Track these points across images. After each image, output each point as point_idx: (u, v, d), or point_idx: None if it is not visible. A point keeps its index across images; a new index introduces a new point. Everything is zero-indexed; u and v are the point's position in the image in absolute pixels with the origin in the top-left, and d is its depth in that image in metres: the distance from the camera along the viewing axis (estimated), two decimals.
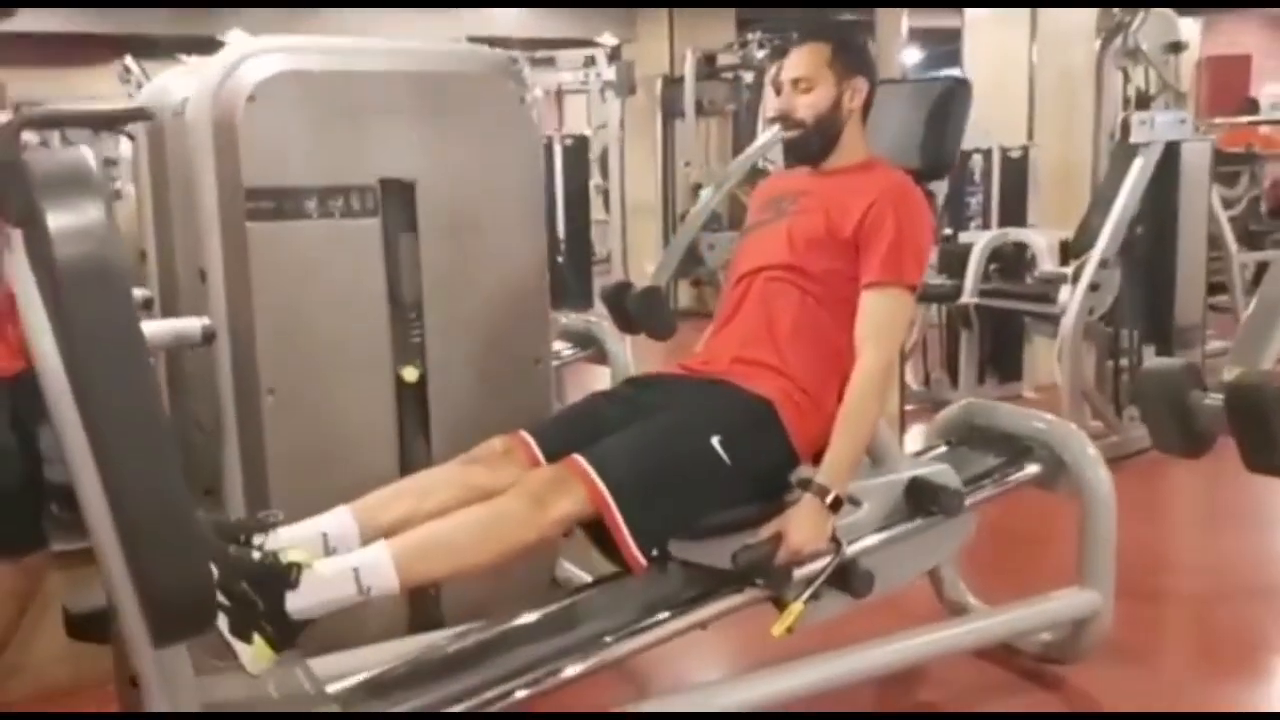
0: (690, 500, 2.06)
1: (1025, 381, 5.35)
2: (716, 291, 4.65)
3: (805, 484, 2.13)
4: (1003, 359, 5.30)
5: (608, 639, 2.07)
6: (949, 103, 2.43)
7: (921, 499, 2.27)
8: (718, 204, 6.31)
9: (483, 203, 2.49)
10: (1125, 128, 4.24)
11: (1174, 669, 2.76)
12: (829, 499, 2.07)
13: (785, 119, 2.31)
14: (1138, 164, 4.22)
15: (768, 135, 4.97)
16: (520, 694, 1.96)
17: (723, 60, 8.03)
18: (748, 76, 7.85)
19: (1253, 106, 9.06)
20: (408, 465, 2.41)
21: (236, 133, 2.21)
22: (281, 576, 1.72)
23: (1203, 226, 4.52)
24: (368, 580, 1.78)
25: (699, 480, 2.06)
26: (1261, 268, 6.58)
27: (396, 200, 2.39)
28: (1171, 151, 4.30)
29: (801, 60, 2.28)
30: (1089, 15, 5.44)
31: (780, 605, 2.11)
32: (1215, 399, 2.56)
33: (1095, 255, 4.15)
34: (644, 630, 2.09)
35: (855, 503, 2.18)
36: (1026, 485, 2.52)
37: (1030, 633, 2.51)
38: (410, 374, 2.41)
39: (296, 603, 1.72)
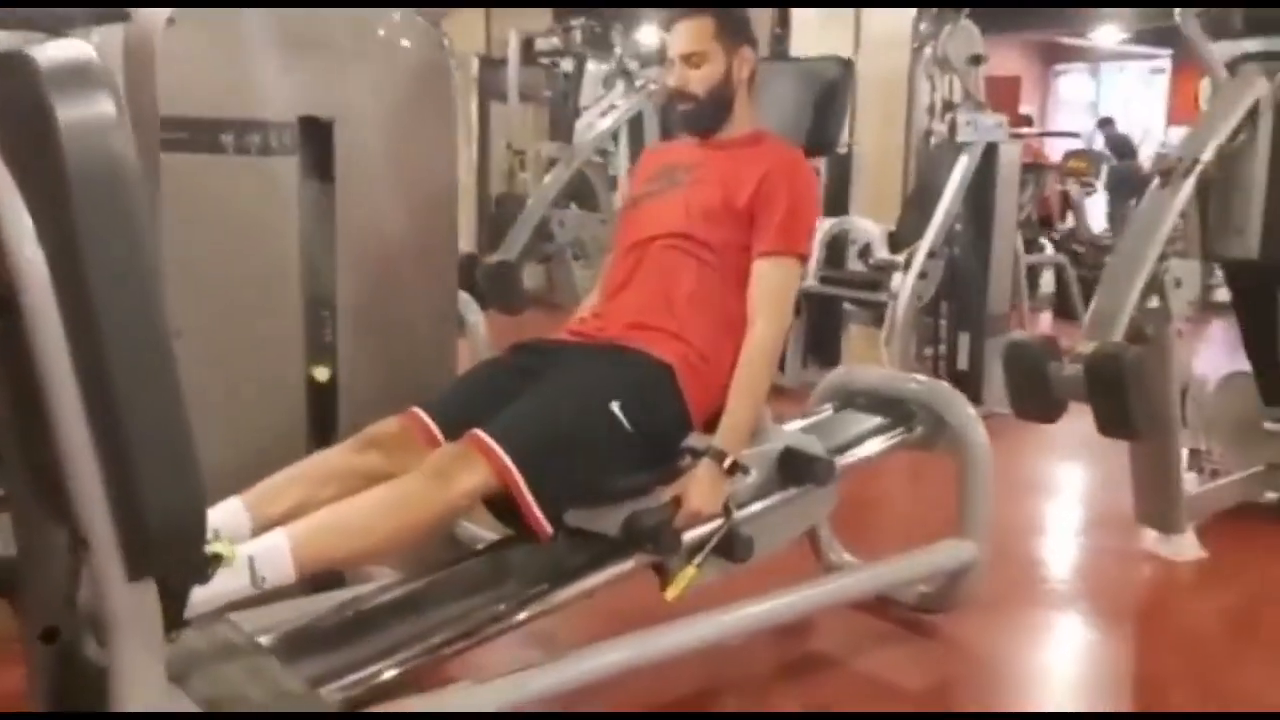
0: (591, 466, 2.06)
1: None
2: (565, 269, 4.66)
3: (696, 451, 2.17)
4: (822, 345, 5.55)
5: (502, 606, 2.02)
6: (835, 83, 2.54)
7: (795, 469, 2.33)
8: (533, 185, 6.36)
9: (399, 151, 2.45)
10: (952, 127, 4.55)
11: (1020, 613, 2.97)
12: (727, 463, 2.12)
13: (679, 94, 2.34)
14: (963, 161, 4.54)
15: (620, 112, 5.05)
16: (442, 649, 1.91)
17: (541, 45, 8.02)
18: (565, 63, 7.88)
19: (1028, 122, 9.87)
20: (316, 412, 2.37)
21: (154, 57, 2.09)
22: (201, 565, 1.62)
23: (1013, 223, 4.91)
24: (263, 570, 1.70)
25: (599, 445, 2.06)
26: (1033, 269, 7.22)
27: (314, 141, 2.33)
28: (991, 151, 4.64)
29: (689, 34, 2.31)
30: (905, 24, 5.78)
31: (662, 572, 2.14)
32: (1072, 369, 2.82)
33: (924, 245, 4.44)
34: (536, 598, 2.05)
35: (745, 470, 2.21)
36: (910, 446, 2.68)
37: (915, 581, 2.66)
38: (321, 373, 2.36)
39: (196, 595, 1.62)
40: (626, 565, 2.14)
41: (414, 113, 2.47)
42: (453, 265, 2.64)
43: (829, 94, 2.51)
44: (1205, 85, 3.61)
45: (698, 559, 2.11)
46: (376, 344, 2.46)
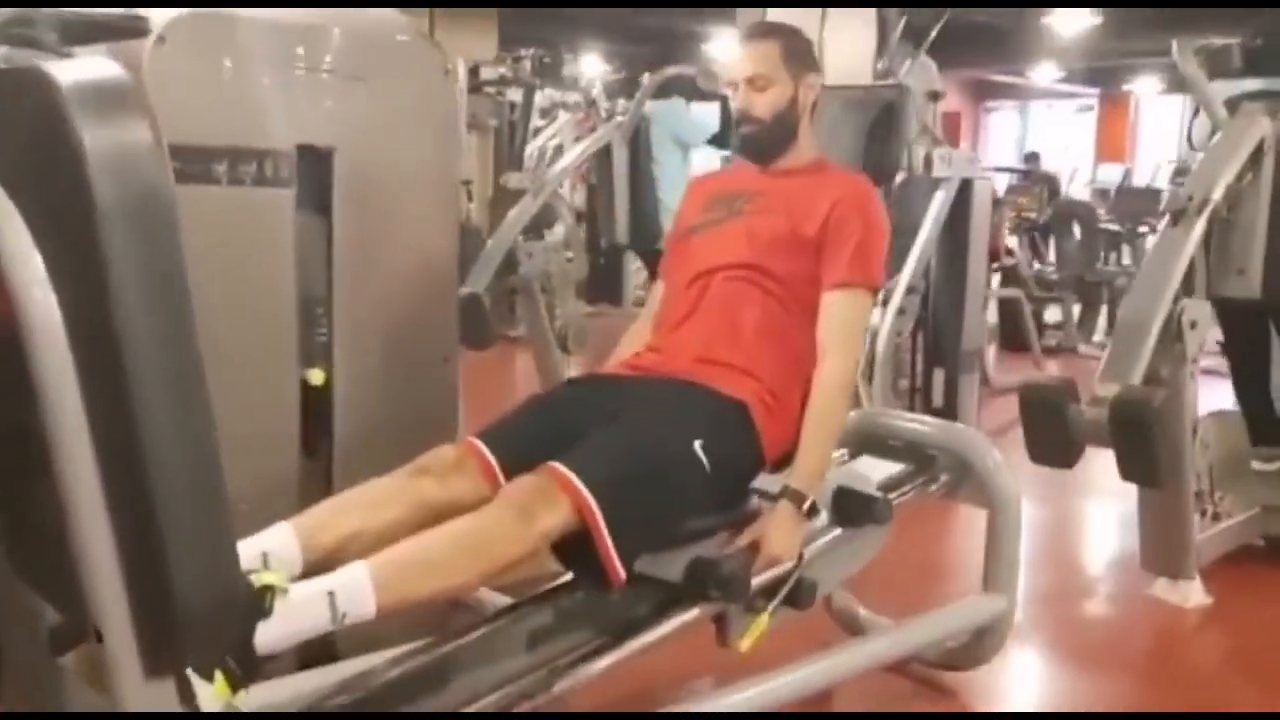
0: (670, 508, 1.95)
1: None
2: (532, 303, 4.49)
3: (766, 494, 2.08)
4: None
5: (563, 662, 1.88)
6: (893, 109, 2.45)
7: (851, 508, 2.24)
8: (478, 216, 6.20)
9: (400, 181, 2.28)
10: (928, 162, 4.49)
11: (1030, 664, 2.87)
12: (806, 506, 2.02)
13: (744, 116, 2.24)
14: (939, 197, 4.48)
15: (587, 142, 4.91)
16: None
17: (487, 74, 7.86)
18: (512, 93, 7.73)
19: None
20: (309, 462, 2.18)
21: (141, 78, 1.89)
22: (254, 602, 1.47)
23: (984, 258, 4.85)
24: (344, 605, 1.56)
25: (680, 487, 1.95)
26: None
27: (312, 170, 2.14)
28: (965, 187, 4.59)
29: (756, 57, 2.24)
30: (866, 60, 5.73)
31: (721, 621, 2.03)
32: (1094, 413, 2.72)
33: (903, 281, 4.35)
34: (598, 653, 1.89)
35: (817, 513, 2.11)
36: (936, 494, 2.56)
37: (943, 641, 2.53)
38: (317, 377, 2.18)
39: (267, 634, 1.47)
40: (689, 615, 2.00)
41: (417, 141, 2.30)
42: (453, 302, 2.46)
43: (886, 120, 2.41)
44: (1199, 124, 3.59)
45: (770, 607, 2.00)
46: (377, 391, 2.27)
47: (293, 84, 2.09)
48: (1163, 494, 3.02)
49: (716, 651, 2.07)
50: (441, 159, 2.37)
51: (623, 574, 1.82)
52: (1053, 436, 2.77)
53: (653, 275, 5.56)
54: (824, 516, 2.16)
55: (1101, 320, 8.31)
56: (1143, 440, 2.59)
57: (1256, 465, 3.78)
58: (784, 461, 2.15)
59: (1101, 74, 11.74)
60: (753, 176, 2.32)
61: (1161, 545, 3.16)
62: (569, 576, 1.97)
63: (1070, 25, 8.03)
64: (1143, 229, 9.02)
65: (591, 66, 9.31)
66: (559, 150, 8.31)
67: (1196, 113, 3.62)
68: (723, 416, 2.04)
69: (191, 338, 1.20)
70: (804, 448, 2.07)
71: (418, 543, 1.70)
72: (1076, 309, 7.96)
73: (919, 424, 2.67)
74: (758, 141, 2.26)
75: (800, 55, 2.26)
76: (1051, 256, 8.71)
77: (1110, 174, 11.52)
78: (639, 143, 4.81)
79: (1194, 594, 3.17)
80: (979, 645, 2.56)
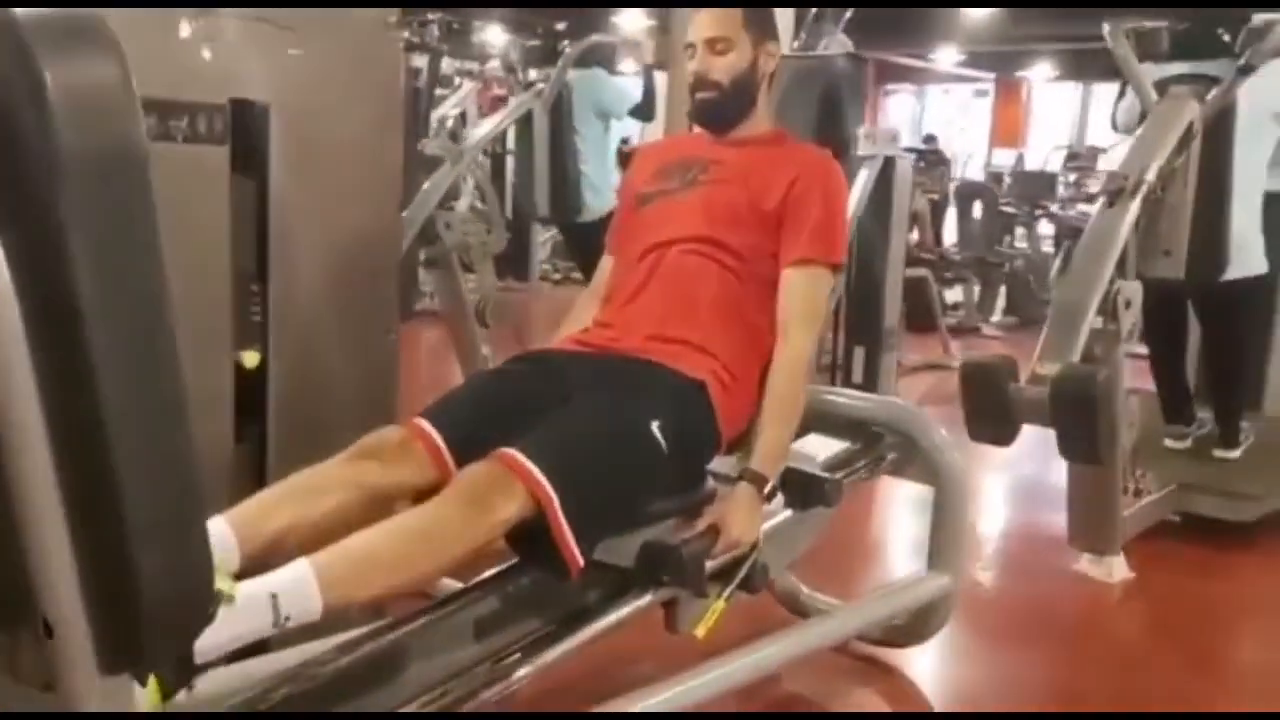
0: (628, 493, 1.86)
1: None
2: (450, 275, 4.35)
3: (722, 476, 2.03)
4: None
5: (512, 651, 1.79)
6: (846, 80, 2.40)
7: (801, 490, 2.18)
8: None
9: (341, 140, 2.16)
10: (854, 140, 4.47)
11: (961, 638, 2.85)
12: (767, 488, 1.97)
13: (701, 81, 2.16)
14: (863, 175, 4.45)
15: (507, 110, 4.78)
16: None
17: None
18: (416, 59, 7.51)
19: None
20: (240, 449, 2.05)
21: None
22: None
23: (904, 237, 4.86)
24: (288, 607, 1.44)
25: (637, 470, 1.87)
26: None
27: (246, 128, 2.00)
28: (888, 165, 4.58)
29: (715, 21, 2.15)
30: (785, 32, 5.70)
31: (671, 607, 1.97)
32: (1035, 391, 2.73)
33: None
34: (543, 644, 1.81)
35: (775, 494, 2.06)
36: (883, 472, 2.53)
37: (890, 619, 2.51)
38: (251, 359, 2.05)
39: (204, 639, 1.32)
40: (642, 601, 1.93)
41: (359, 99, 2.18)
42: (395, 271, 2.35)
43: (840, 90, 2.35)
44: (1124, 107, 3.64)
45: (726, 592, 1.93)
46: (316, 367, 2.15)
47: (225, 31, 1.94)
48: (1093, 471, 3.05)
49: (661, 636, 2.00)
50: (385, 117, 2.26)
51: (581, 562, 1.73)
52: (993, 414, 2.77)
53: (574, 249, 5.49)
54: (778, 499, 2.11)
55: (1000, 300, 8.50)
56: (1085, 418, 2.60)
57: (1169, 443, 3.89)
58: (739, 442, 2.09)
59: (997, 59, 11.99)
60: (708, 145, 2.24)
61: (1089, 522, 3.21)
62: (516, 558, 1.88)
63: (976, 10, 8.14)
64: (1038, 211, 9.27)
65: (496, 35, 9.11)
66: (462, 118, 8.11)
67: (1121, 95, 3.67)
68: (680, 396, 1.96)
69: (164, 311, 1.08)
70: (764, 429, 2.00)
71: (367, 537, 1.58)
72: (976, 289, 8.12)
73: (865, 401, 2.64)
74: (715, 107, 2.17)
75: (761, 20, 2.18)
76: (950, 237, 8.90)
77: (1004, 158, 11.79)
78: (560, 113, 4.69)
79: (1118, 569, 3.23)
80: (923, 622, 2.55)
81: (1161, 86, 3.27)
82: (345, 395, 2.23)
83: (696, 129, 2.29)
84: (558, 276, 9.64)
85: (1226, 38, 3.22)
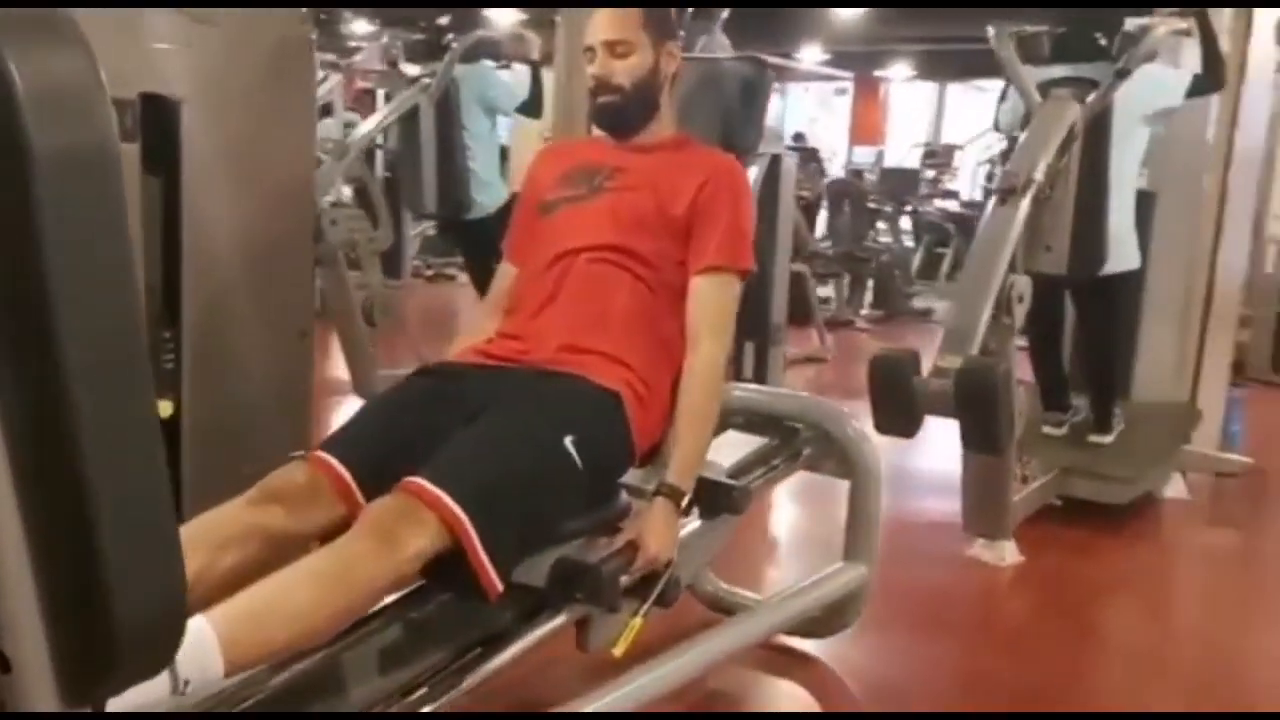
0: (544, 512, 1.82)
1: None
2: (337, 275, 4.24)
3: (636, 490, 2.01)
4: None
5: (426, 679, 1.75)
6: (753, 84, 2.41)
7: (710, 499, 2.16)
8: None
9: (254, 139, 2.08)
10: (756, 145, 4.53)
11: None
12: (684, 502, 1.96)
13: (603, 84, 2.11)
14: (752, 172, 4.53)
15: (392, 105, 4.68)
16: None
17: None
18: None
19: None
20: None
21: None
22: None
23: (789, 234, 4.96)
24: (187, 671, 1.33)
25: (553, 488, 1.82)
26: None
27: (158, 124, 1.92)
28: (775, 163, 4.67)
29: (615, 22, 2.10)
30: None
31: (584, 626, 1.95)
32: (939, 384, 2.82)
33: None
34: (464, 668, 1.79)
35: (690, 508, 2.05)
36: (800, 468, 2.58)
37: (810, 612, 2.55)
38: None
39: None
40: (557, 621, 1.91)
41: (272, 95, 2.11)
42: (309, 270, 2.28)
43: (746, 95, 2.36)
44: (1007, 108, 3.78)
45: (643, 609, 1.91)
46: (225, 360, 2.07)
47: (138, 26, 1.86)
48: (987, 460, 3.17)
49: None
50: (299, 113, 2.19)
51: (500, 587, 1.68)
52: (899, 407, 2.85)
53: (463, 247, 5.41)
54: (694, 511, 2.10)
55: (869, 294, 8.75)
56: (987, 409, 2.70)
57: (1048, 430, 4.05)
58: (651, 454, 2.07)
59: (857, 59, 12.30)
60: (611, 150, 2.20)
61: (983, 508, 3.32)
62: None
63: (844, 10, 8.34)
64: (903, 208, 9.56)
65: (363, 28, 8.94)
66: (327, 111, 7.90)
67: (1003, 98, 3.81)
68: (595, 409, 1.92)
69: (139, 320, 1.03)
70: (680, 441, 1.98)
71: (273, 587, 1.50)
72: (846, 283, 8.34)
73: (780, 398, 2.68)
74: (618, 111, 2.13)
75: (662, 22, 2.14)
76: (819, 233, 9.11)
77: (865, 155, 12.10)
78: (447, 108, 4.62)
79: (1010, 553, 3.36)
80: (841, 612, 2.60)
81: (1043, 89, 3.40)
82: (263, 400, 2.16)
83: (597, 132, 2.25)
84: (430, 273, 9.50)
85: (1104, 42, 3.37)
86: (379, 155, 7.86)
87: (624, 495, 2.03)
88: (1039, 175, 3.11)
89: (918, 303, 8.95)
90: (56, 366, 0.98)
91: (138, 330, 1.03)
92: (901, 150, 12.50)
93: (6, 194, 0.97)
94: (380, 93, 7.94)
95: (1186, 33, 3.56)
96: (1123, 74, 3.29)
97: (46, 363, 0.98)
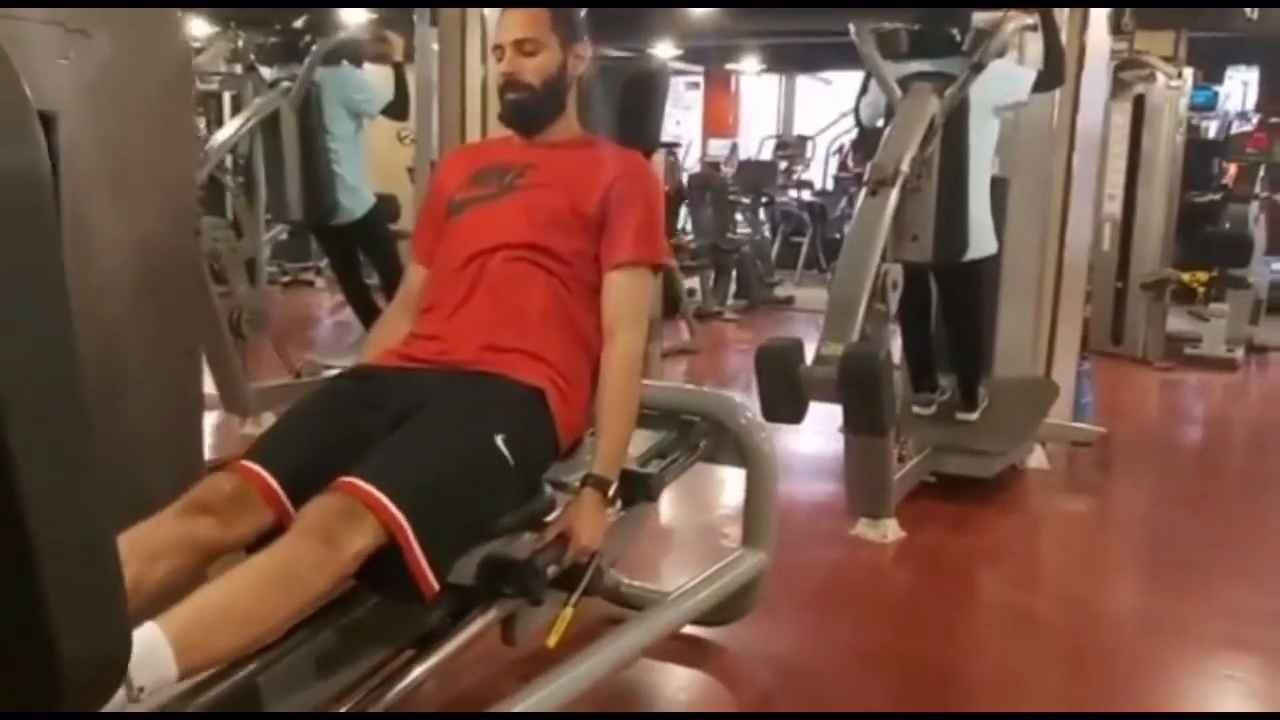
0: (479, 511, 1.86)
1: None
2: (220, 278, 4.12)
3: (560, 483, 2.06)
4: None
5: (362, 683, 1.79)
6: (652, 82, 2.46)
7: (628, 488, 2.19)
8: None
9: (135, 154, 2.01)
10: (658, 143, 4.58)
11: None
12: (611, 491, 2.01)
13: (512, 82, 2.14)
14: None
15: (257, 104, 4.55)
16: None
17: None
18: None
19: None
20: None
21: None
22: None
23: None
24: (141, 678, 1.34)
25: (487, 486, 1.86)
26: None
27: None
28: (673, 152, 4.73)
29: (524, 21, 2.14)
30: None
31: (507, 621, 1.98)
32: (823, 371, 2.92)
33: None
34: (401, 671, 1.81)
35: (616, 497, 2.08)
36: (700, 459, 2.63)
37: (717, 600, 2.60)
38: None
39: None
40: (487, 618, 1.93)
41: (153, 105, 2.05)
42: (196, 285, 2.22)
43: (645, 92, 2.40)
44: (868, 101, 3.90)
45: (574, 599, 1.95)
46: (111, 382, 2.00)
47: (10, 35, 1.78)
48: (868, 442, 3.29)
49: (488, 647, 2.01)
50: (178, 124, 2.13)
51: (436, 586, 1.71)
52: (786, 395, 2.94)
53: (329, 253, 5.30)
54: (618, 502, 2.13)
55: (733, 285, 8.90)
56: (871, 393, 2.81)
57: (917, 410, 4.22)
58: (573, 448, 2.12)
59: (708, 53, 12.47)
60: (520, 148, 2.23)
61: (866, 489, 3.45)
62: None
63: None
64: (762, 199, 9.76)
65: (202, 28, 8.64)
66: None
67: (864, 91, 3.93)
68: (522, 406, 1.96)
69: (73, 348, 1.00)
70: (604, 432, 2.03)
71: (220, 592, 1.53)
72: (711, 275, 8.47)
73: (674, 392, 2.74)
74: (526, 109, 2.16)
75: (570, 22, 2.18)
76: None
77: (719, 148, 12.29)
78: (309, 112, 4.52)
79: (891, 530, 3.49)
80: (744, 598, 2.66)
81: (903, 83, 3.54)
82: (152, 421, 2.09)
83: (506, 132, 2.27)
84: (286, 279, 9.27)
85: (958, 37, 3.52)
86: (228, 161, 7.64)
87: (548, 489, 2.06)
88: (906, 167, 3.24)
89: (779, 291, 9.16)
90: None
91: (73, 356, 1.00)
92: (754, 142, 12.74)
93: None
94: (227, 96, 7.68)
95: (1033, 28, 3.75)
96: (977, 68, 3.46)
97: None
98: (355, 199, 4.70)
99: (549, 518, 2.01)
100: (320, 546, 1.58)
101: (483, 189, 2.19)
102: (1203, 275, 6.41)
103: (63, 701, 1.04)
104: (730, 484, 3.94)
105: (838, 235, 10.80)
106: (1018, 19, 3.61)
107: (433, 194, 2.31)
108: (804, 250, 10.24)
